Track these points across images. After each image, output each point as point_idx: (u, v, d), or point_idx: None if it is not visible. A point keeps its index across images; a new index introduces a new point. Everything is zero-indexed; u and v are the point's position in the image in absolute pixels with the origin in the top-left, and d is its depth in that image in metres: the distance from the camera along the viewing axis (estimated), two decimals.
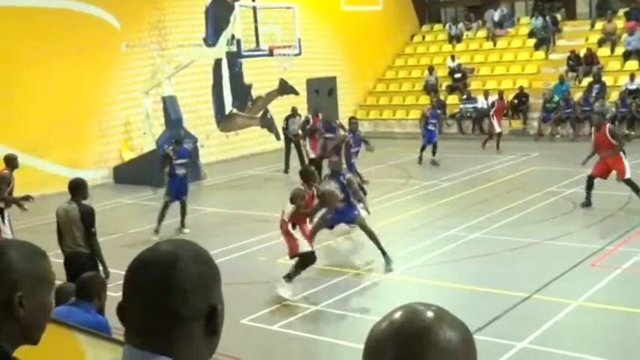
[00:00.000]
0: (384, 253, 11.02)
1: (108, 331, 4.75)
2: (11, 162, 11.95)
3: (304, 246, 9.97)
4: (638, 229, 12.43)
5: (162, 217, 13.56)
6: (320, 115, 19.31)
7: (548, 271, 10.38)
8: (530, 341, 8.07)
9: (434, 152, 20.07)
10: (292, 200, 10.01)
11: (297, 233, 10.02)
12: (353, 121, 16.02)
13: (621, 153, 13.62)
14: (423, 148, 20.03)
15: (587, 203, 14.01)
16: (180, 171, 13.89)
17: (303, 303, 9.78)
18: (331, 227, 11.75)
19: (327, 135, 18.55)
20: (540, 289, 9.71)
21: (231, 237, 13.17)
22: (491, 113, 22.26)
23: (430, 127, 20.07)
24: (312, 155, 18.32)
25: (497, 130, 21.75)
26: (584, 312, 9.03)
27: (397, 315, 1.38)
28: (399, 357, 1.33)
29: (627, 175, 13.58)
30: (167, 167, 13.95)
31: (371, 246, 11.20)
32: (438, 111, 21.65)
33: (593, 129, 14.31)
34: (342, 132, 15.74)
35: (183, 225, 13.91)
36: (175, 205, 13.85)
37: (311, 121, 19.18)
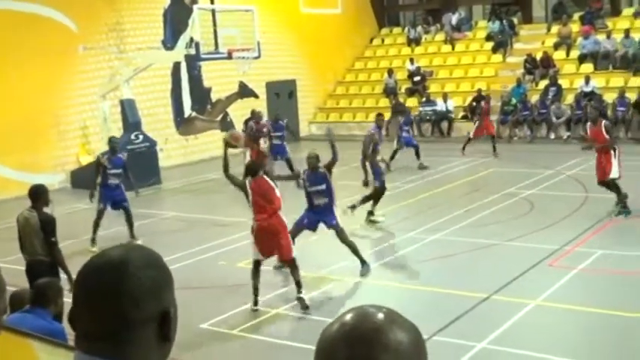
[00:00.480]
0: (363, 262, 10.84)
1: (64, 338, 4.66)
2: None
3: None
4: (594, 230, 12.63)
5: (96, 226, 13.11)
6: (263, 120, 19.02)
7: (507, 272, 10.48)
8: (489, 341, 8.14)
9: (417, 156, 19.60)
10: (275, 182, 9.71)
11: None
12: (380, 118, 14.78)
13: (612, 152, 13.38)
14: (393, 156, 19.23)
15: (623, 200, 13.45)
16: (113, 181, 13.36)
17: (263, 307, 9.73)
18: (314, 229, 11.12)
19: (276, 134, 18.50)
20: (499, 289, 9.80)
21: (191, 241, 13.07)
22: (476, 117, 22.17)
23: (404, 134, 19.67)
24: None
25: (470, 134, 21.61)
26: (542, 312, 9.13)
27: (348, 317, 1.40)
28: (350, 359, 1.34)
29: (611, 176, 13.34)
30: (99, 176, 13.37)
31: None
32: (411, 116, 21.22)
33: (589, 123, 14.21)
34: (370, 131, 14.82)
35: (132, 236, 13.28)
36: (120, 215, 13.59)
37: (254, 128, 18.35)
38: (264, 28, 22.59)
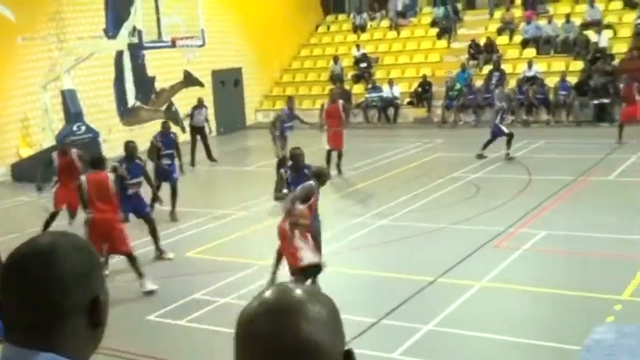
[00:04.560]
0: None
1: None
2: None
3: (308, 257, 8.83)
4: (538, 211, 12.82)
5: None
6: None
7: (454, 255, 10.58)
8: (435, 324, 8.20)
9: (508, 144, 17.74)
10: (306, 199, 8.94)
11: (298, 240, 8.86)
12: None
13: None
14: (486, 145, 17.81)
15: None
16: None
17: (212, 296, 9.65)
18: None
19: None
20: (445, 272, 9.88)
21: (136, 233, 12.88)
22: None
23: (497, 122, 17.82)
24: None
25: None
26: (487, 293, 9.24)
27: (268, 293, 1.46)
28: (272, 331, 1.38)
29: None
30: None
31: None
32: (504, 104, 18.35)
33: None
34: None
35: None
36: None
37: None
38: (208, 15, 22.35)
